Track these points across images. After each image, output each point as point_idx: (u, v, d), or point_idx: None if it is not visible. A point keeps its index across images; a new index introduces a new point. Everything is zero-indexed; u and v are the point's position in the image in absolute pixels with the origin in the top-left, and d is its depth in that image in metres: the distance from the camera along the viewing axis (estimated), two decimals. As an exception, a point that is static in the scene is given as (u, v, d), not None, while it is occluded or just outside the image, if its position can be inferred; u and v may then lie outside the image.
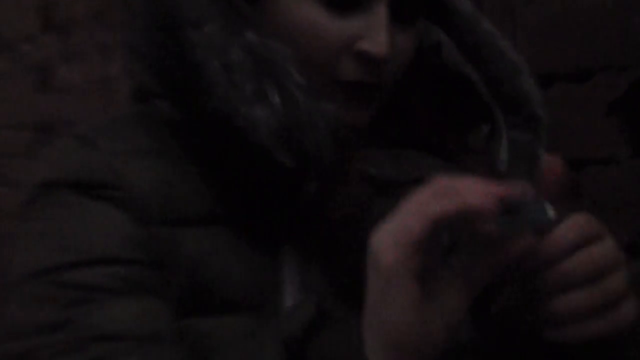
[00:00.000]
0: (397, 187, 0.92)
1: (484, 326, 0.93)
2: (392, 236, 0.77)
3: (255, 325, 0.91)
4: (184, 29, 0.92)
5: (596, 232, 0.81)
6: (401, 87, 1.02)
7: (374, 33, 0.94)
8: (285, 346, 0.88)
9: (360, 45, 0.95)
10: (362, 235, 0.85)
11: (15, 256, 0.92)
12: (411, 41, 0.99)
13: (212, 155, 0.94)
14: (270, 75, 0.91)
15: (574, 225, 0.80)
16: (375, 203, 0.92)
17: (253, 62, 0.91)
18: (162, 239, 0.91)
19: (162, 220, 0.92)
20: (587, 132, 1.71)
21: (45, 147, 0.99)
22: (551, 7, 1.70)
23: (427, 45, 1.07)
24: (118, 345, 0.86)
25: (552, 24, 1.72)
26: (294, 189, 0.91)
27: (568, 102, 1.71)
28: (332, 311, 0.91)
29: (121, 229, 0.91)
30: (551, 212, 0.78)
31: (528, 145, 1.03)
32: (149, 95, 0.98)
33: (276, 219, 0.93)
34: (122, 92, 1.06)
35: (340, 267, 0.93)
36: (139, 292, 0.89)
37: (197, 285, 0.91)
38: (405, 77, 1.01)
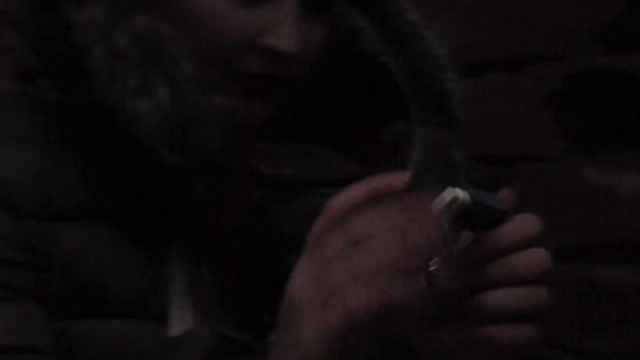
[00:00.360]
0: (299, 188, 0.87)
1: None
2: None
3: (137, 333, 0.86)
4: (66, 7, 0.86)
5: (539, 235, 0.79)
6: (311, 77, 0.96)
7: (283, 27, 0.88)
8: None
9: (267, 40, 0.89)
10: (256, 239, 0.84)
11: None
12: (324, 29, 0.93)
13: (95, 145, 0.88)
14: (158, 65, 0.85)
15: (523, 222, 0.78)
16: (272, 205, 0.89)
17: (140, 50, 0.85)
18: (37, 234, 0.86)
19: (37, 213, 0.87)
20: (517, 126, 1.67)
21: None
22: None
23: (343, 31, 1.00)
24: None
25: (482, 9, 1.68)
26: (182, 188, 0.86)
27: (498, 93, 1.67)
28: (223, 331, 0.87)
29: None
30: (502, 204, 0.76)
31: (443, 146, 0.97)
32: (31, 73, 0.93)
33: (164, 218, 0.88)
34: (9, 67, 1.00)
35: (231, 274, 0.89)
36: (11, 297, 0.84)
37: (73, 284, 0.86)
38: (316, 66, 0.95)
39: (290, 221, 0.88)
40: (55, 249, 0.86)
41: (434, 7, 1.06)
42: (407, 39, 1.00)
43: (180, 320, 0.89)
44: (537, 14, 1.64)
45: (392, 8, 1.01)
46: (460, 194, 0.71)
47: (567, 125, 1.63)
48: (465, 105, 0.99)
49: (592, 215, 1.57)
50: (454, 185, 0.72)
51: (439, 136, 0.98)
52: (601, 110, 1.58)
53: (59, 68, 0.87)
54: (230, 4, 0.87)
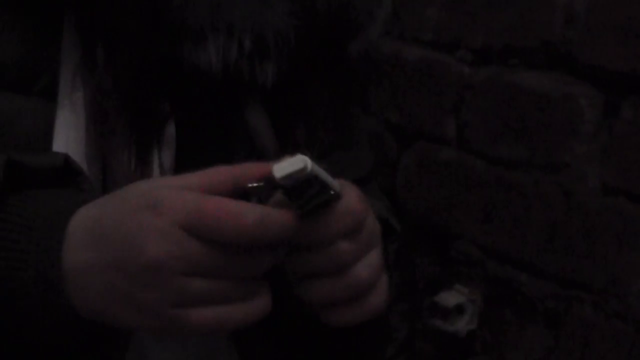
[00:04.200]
0: None
1: None
2: None
3: (21, 108, 0.81)
4: None
5: (364, 216, 0.74)
6: None
7: None
8: None
9: None
10: (154, 23, 0.80)
11: None
12: None
13: None
14: None
15: (351, 209, 0.73)
16: None
17: None
18: None
19: None
20: None
21: None
22: None
23: None
24: None
25: None
26: None
27: None
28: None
29: None
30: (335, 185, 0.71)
31: None
32: None
33: None
34: None
35: (126, 56, 0.83)
36: None
37: None
38: None
39: (193, 11, 0.82)
40: None
41: None
42: None
43: (69, 99, 0.83)
44: None
45: None
46: (309, 164, 0.66)
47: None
48: None
49: (522, 16, 1.52)
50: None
51: None
52: None
53: None
54: None
